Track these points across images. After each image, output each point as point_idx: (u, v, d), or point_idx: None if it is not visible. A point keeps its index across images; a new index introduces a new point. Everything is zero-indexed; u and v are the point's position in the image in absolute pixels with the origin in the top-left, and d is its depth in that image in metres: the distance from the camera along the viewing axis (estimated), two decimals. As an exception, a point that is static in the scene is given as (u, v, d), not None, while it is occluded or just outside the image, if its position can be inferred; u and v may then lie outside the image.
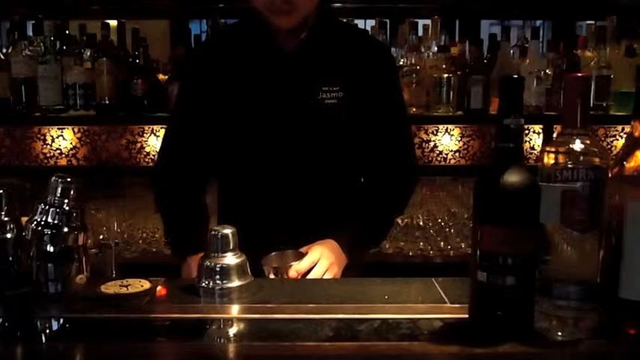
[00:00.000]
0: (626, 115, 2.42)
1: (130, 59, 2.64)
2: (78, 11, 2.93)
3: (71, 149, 2.81)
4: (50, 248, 1.12)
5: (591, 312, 0.98)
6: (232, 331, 1.07)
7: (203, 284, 1.17)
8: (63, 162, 2.81)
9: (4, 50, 2.66)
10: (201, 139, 1.59)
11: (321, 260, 1.41)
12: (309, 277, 1.38)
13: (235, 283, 1.17)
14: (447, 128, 2.80)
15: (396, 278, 1.27)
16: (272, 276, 1.38)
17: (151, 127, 2.79)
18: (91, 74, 2.56)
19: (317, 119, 1.52)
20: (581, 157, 0.96)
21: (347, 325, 1.04)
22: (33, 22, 2.66)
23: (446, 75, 2.56)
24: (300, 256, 1.41)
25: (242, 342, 1.03)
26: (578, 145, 0.97)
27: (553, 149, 0.98)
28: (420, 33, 2.73)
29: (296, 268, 1.37)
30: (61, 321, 1.09)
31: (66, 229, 1.12)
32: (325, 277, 1.40)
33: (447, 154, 2.83)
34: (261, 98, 1.53)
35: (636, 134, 1.00)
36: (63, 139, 2.79)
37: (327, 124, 1.53)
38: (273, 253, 1.43)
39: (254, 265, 1.26)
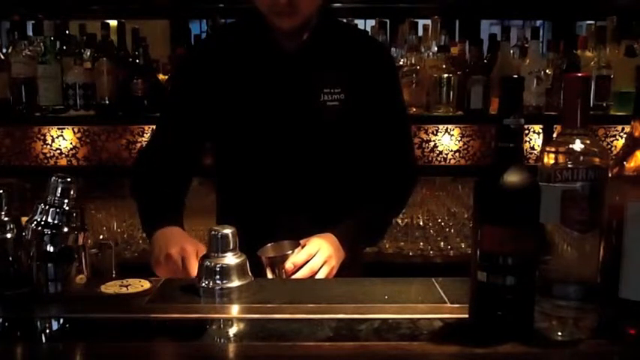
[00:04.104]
0: (626, 115, 2.41)
1: (130, 59, 2.64)
2: (78, 11, 2.93)
3: (71, 149, 2.80)
4: (50, 248, 1.12)
5: (591, 312, 0.97)
6: (232, 331, 1.07)
7: (203, 284, 1.17)
8: (63, 162, 2.80)
9: (4, 50, 2.66)
10: (187, 135, 1.58)
11: (319, 252, 1.40)
12: (305, 268, 1.37)
13: (235, 283, 1.17)
14: (447, 128, 2.80)
15: (396, 278, 1.27)
16: (268, 267, 1.37)
17: (151, 127, 2.78)
18: (91, 74, 2.56)
19: (318, 121, 1.52)
20: (581, 157, 0.96)
21: (347, 325, 1.04)
22: (33, 22, 2.66)
23: (446, 75, 2.56)
24: (297, 247, 1.39)
25: (242, 342, 1.03)
26: (578, 145, 0.97)
27: (553, 149, 0.98)
28: (420, 33, 2.73)
29: (292, 260, 1.36)
30: (61, 321, 1.09)
31: (66, 229, 1.12)
32: (323, 269, 1.39)
33: (447, 154, 2.82)
34: (262, 99, 1.53)
35: (636, 134, 1.00)
36: (63, 139, 2.79)
37: (328, 126, 1.53)
38: (270, 244, 1.42)
39: (254, 264, 1.26)
